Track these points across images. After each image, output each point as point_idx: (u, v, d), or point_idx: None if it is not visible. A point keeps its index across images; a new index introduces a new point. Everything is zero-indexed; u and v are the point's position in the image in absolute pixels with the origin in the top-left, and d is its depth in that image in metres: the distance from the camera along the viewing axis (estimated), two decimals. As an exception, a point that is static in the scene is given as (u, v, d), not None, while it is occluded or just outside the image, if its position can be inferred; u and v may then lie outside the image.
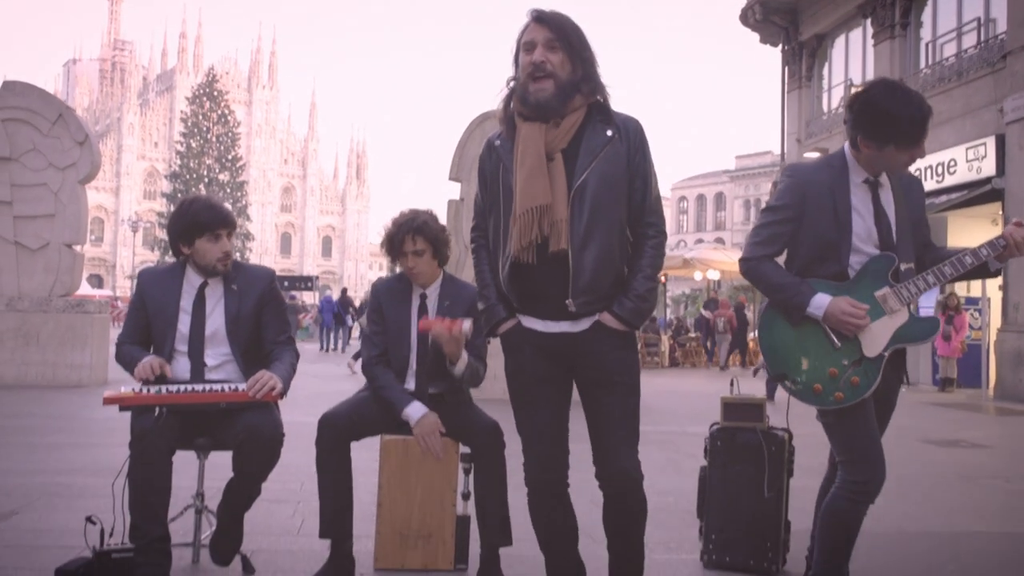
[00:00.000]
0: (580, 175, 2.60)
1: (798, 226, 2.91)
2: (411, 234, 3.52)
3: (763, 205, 3.06)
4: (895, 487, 5.69)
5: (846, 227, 2.86)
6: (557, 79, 2.59)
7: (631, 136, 2.67)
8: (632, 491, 2.69)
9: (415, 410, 3.43)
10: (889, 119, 2.78)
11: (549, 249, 2.59)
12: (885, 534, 4.41)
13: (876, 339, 2.83)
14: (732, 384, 3.95)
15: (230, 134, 67.61)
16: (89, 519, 3.36)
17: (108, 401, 3.18)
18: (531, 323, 2.70)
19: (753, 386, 3.78)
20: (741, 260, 3.04)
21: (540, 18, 2.63)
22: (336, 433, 3.40)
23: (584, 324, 2.66)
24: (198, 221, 3.40)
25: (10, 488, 4.78)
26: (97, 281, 79.02)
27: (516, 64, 2.69)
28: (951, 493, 5.74)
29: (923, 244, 3.06)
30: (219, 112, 67.54)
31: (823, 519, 2.95)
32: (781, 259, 3.01)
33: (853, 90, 2.95)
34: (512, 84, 2.69)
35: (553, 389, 2.73)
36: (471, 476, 3.50)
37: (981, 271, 2.97)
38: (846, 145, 2.98)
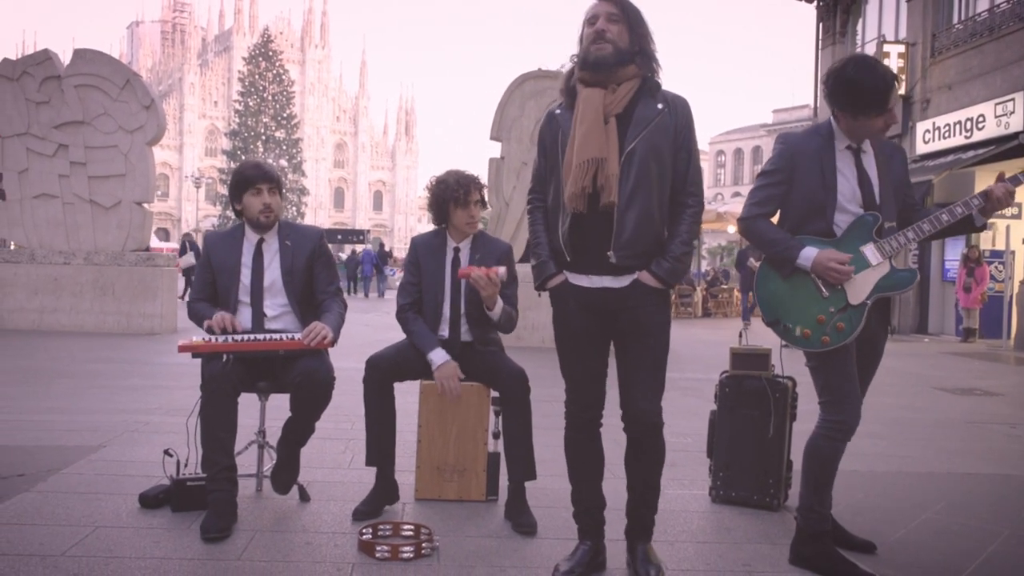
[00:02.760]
0: (631, 141, 2.76)
1: (789, 188, 3.10)
2: (476, 187, 3.76)
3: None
4: (902, 431, 5.86)
5: (832, 187, 3.05)
6: (615, 46, 2.76)
7: (679, 112, 2.83)
8: (652, 436, 2.90)
9: (438, 356, 3.62)
10: (856, 91, 2.97)
11: (600, 202, 2.76)
12: (884, 473, 4.56)
13: (860, 288, 3.01)
14: (741, 335, 4.12)
15: (285, 93, 67.74)
16: (167, 452, 3.66)
17: (183, 349, 3.41)
18: (577, 279, 2.87)
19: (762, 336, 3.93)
20: (739, 219, 3.24)
21: None
22: (380, 374, 3.62)
23: (625, 280, 2.83)
24: (244, 177, 3.67)
25: (96, 425, 5.11)
26: (164, 234, 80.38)
27: (581, 43, 2.85)
28: (955, 438, 5.82)
29: (910, 206, 3.21)
30: (274, 72, 67.63)
31: (806, 457, 3.13)
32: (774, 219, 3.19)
33: (830, 67, 3.11)
34: (574, 59, 2.86)
35: (594, 338, 2.91)
36: (500, 418, 3.69)
37: (966, 226, 3.13)
38: (830, 117, 3.15)
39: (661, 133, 2.78)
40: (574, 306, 2.88)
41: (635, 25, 2.79)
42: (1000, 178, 3.07)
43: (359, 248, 32.87)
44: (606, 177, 2.73)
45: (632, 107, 2.79)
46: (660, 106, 2.79)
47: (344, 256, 31.83)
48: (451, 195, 3.70)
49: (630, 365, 2.88)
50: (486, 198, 3.92)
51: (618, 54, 2.75)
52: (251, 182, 3.65)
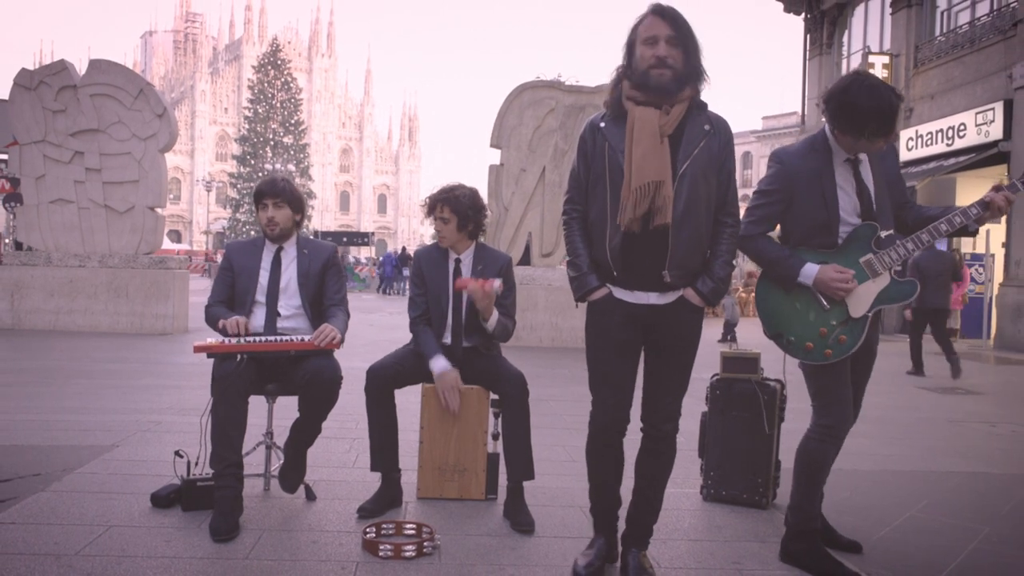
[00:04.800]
0: (683, 162, 2.68)
1: (787, 207, 3.01)
2: (441, 203, 3.74)
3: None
4: (886, 429, 5.84)
5: (834, 206, 2.95)
6: (675, 71, 2.66)
7: (721, 134, 2.75)
8: (669, 441, 2.89)
9: (439, 364, 3.61)
10: (861, 115, 2.84)
11: (653, 223, 2.67)
12: (869, 471, 4.54)
13: (861, 301, 2.94)
14: (734, 340, 4.10)
15: (293, 100, 67.55)
16: (177, 453, 3.65)
17: (198, 350, 3.40)
18: (621, 294, 2.78)
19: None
20: (739, 237, 3.14)
21: (662, 13, 2.68)
22: (381, 383, 3.61)
23: (670, 298, 2.77)
24: (256, 191, 3.81)
25: (110, 424, 5.09)
26: (176, 236, 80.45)
27: (629, 52, 2.73)
28: (938, 436, 5.81)
29: (902, 203, 3.13)
30: (282, 80, 67.40)
31: (797, 458, 3.09)
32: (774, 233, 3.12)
33: (829, 88, 2.97)
34: (621, 71, 2.74)
35: (630, 353, 2.83)
36: (500, 419, 3.68)
37: (961, 230, 3.04)
38: (827, 127, 3.01)
39: (707, 153, 2.70)
40: (618, 319, 2.78)
41: (691, 47, 2.68)
42: (997, 187, 2.96)
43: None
44: (663, 199, 2.65)
45: (682, 127, 2.71)
46: (707, 127, 2.72)
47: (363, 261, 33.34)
48: (430, 205, 3.80)
49: (661, 375, 2.84)
50: (483, 216, 3.85)
51: (677, 79, 2.66)
52: (258, 197, 3.77)
